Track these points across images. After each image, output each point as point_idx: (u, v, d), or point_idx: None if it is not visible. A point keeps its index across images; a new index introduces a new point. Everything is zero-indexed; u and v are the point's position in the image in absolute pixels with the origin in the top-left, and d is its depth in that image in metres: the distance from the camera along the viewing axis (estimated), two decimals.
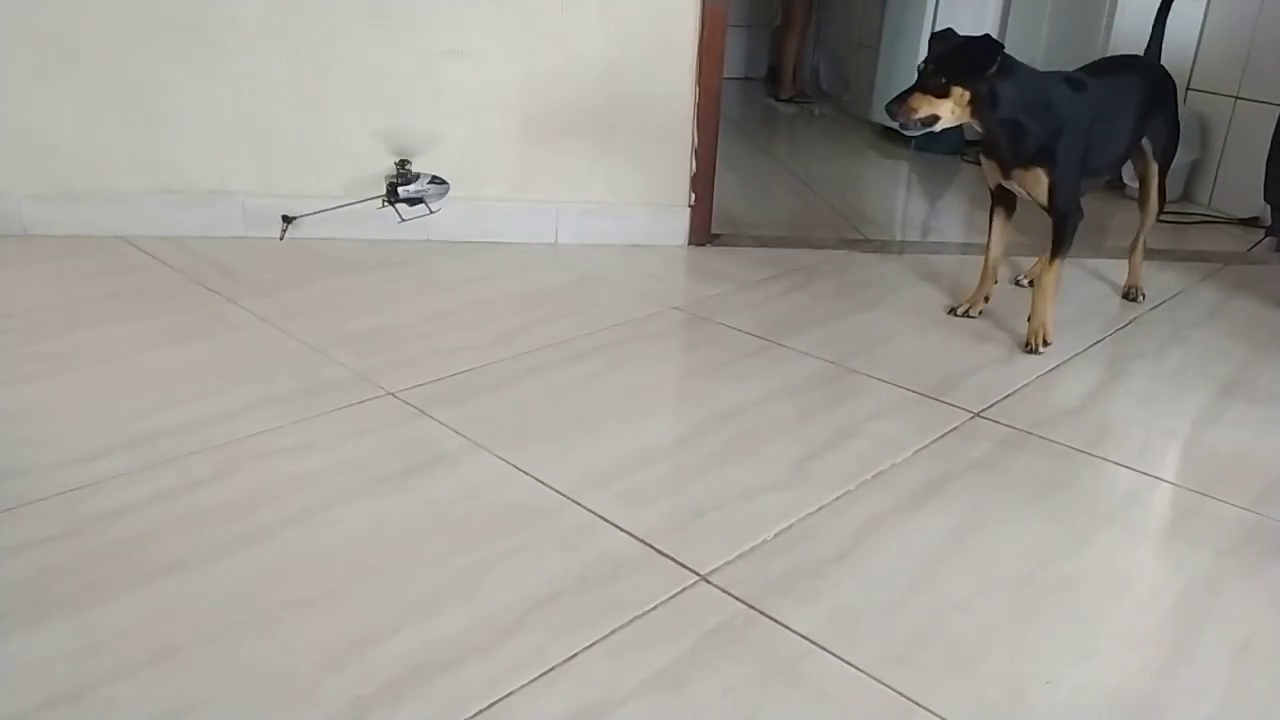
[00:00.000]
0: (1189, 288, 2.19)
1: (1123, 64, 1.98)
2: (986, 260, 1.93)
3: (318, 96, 2.13)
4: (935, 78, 1.64)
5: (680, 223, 2.34)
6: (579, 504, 1.23)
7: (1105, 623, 1.06)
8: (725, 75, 2.30)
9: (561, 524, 1.19)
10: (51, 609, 1.00)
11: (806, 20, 4.67)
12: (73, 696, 0.89)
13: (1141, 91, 1.89)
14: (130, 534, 1.12)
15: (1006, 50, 1.63)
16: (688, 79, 2.22)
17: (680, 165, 2.30)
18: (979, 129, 1.72)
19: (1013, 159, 1.74)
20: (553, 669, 0.95)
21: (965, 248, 2.44)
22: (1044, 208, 1.75)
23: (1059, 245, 1.77)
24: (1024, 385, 1.64)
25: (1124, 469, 1.39)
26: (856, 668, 0.97)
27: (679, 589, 1.08)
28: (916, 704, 0.92)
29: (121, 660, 0.93)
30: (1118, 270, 2.31)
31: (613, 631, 1.00)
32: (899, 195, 3.29)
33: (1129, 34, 3.04)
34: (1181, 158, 2.93)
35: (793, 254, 2.33)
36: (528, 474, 1.29)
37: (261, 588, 1.05)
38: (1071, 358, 1.77)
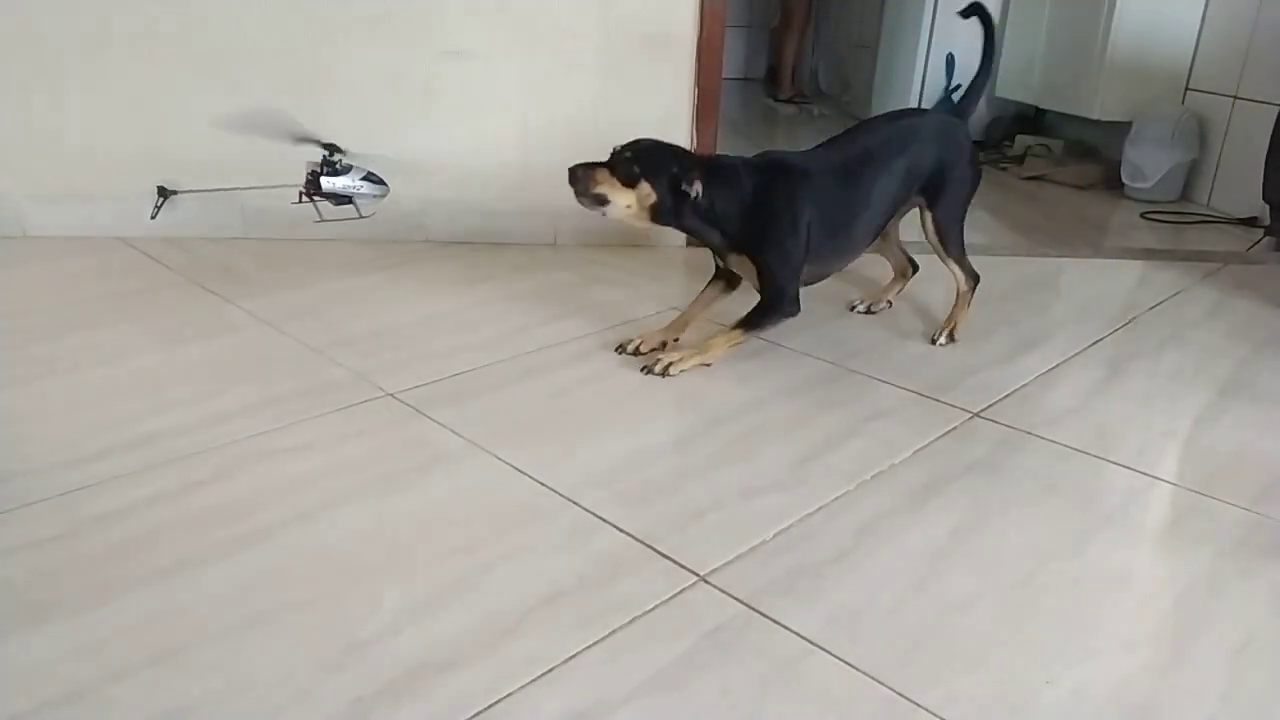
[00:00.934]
0: (1188, 287, 2.20)
1: (884, 126, 1.80)
2: (684, 315, 1.75)
3: (319, 98, 2.13)
4: (629, 165, 1.56)
5: None
6: (578, 505, 1.23)
7: (1104, 623, 1.06)
8: (724, 76, 2.30)
9: (561, 525, 1.19)
10: (51, 610, 1.00)
11: (805, 21, 4.67)
12: (73, 697, 0.89)
13: (900, 157, 1.70)
14: (130, 535, 1.13)
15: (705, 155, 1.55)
16: (687, 79, 2.22)
17: None
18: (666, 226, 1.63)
19: (723, 244, 1.66)
20: (552, 669, 0.95)
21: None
22: (757, 290, 1.65)
23: (751, 322, 1.64)
24: (1023, 385, 1.64)
25: (1123, 469, 1.39)
26: (856, 668, 0.97)
27: (678, 589, 1.08)
28: (916, 704, 0.93)
29: (121, 661, 0.93)
30: (1117, 271, 2.31)
31: (612, 632, 1.00)
32: None
33: (1128, 33, 3.04)
34: (1180, 158, 2.94)
35: None
36: (527, 475, 1.30)
37: (261, 588, 1.05)
38: (1070, 358, 1.77)
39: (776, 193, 1.62)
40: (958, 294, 1.83)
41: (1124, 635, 1.05)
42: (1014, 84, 3.60)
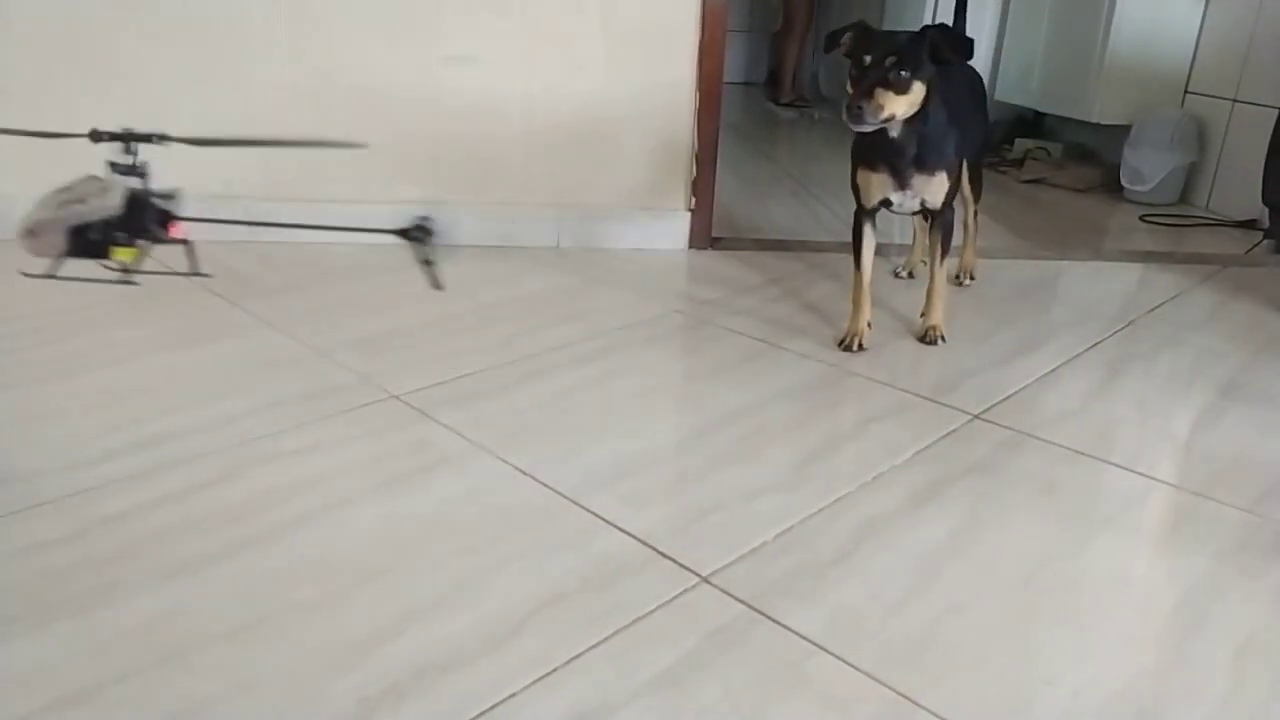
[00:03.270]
0: (1187, 290, 2.20)
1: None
2: (861, 300, 1.79)
3: (322, 101, 2.14)
4: (896, 71, 1.53)
5: (681, 227, 2.35)
6: (581, 506, 1.24)
7: (1105, 624, 1.07)
8: (725, 80, 2.31)
9: (564, 526, 1.20)
10: (59, 610, 1.01)
11: (806, 25, 4.68)
12: (80, 697, 0.90)
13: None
14: (137, 536, 1.13)
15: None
16: (688, 83, 2.23)
17: (681, 170, 2.31)
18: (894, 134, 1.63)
19: (914, 166, 1.67)
20: (555, 670, 0.96)
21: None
22: (933, 211, 1.73)
23: (948, 244, 1.79)
24: (1023, 387, 1.65)
25: (1123, 471, 1.40)
26: (857, 669, 0.98)
27: (680, 590, 1.08)
28: (917, 705, 0.93)
29: (129, 661, 0.94)
30: (1116, 273, 2.32)
31: (615, 633, 1.01)
32: None
33: (1127, 36, 3.05)
34: (1179, 161, 2.95)
35: (793, 257, 2.34)
36: (530, 476, 1.30)
37: (267, 590, 1.06)
38: (1070, 360, 1.78)
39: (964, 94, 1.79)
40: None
41: (1124, 636, 1.05)
42: (1013, 87, 3.61)
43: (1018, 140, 3.58)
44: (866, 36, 1.58)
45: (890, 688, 0.95)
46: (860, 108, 1.52)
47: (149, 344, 1.66)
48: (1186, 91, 3.04)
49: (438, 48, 2.14)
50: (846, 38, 1.61)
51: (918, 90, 1.56)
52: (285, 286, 1.95)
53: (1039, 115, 3.64)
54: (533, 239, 2.30)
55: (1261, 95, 2.76)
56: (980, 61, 3.69)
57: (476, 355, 1.67)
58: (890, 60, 1.52)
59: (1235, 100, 2.86)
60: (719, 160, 2.35)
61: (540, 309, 1.92)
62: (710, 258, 2.32)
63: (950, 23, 1.82)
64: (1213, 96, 2.94)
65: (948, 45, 1.57)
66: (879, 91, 1.53)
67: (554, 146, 2.25)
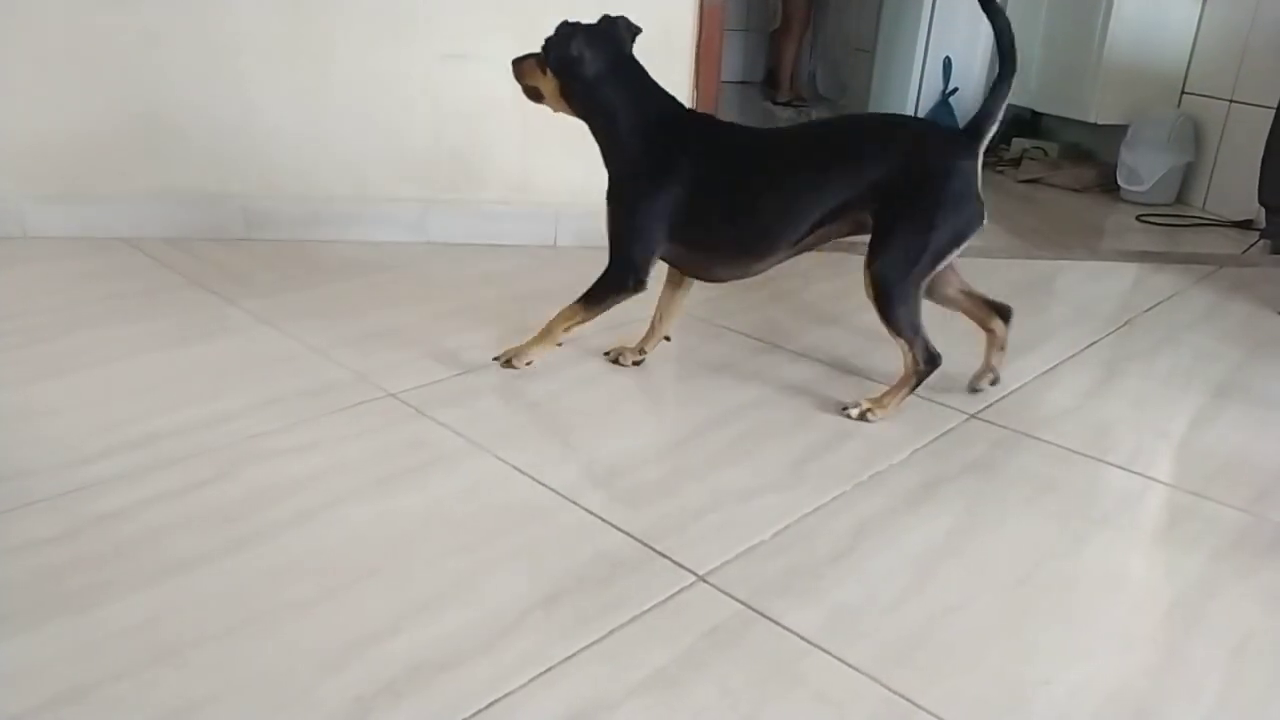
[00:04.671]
0: (1184, 290, 2.21)
1: (846, 120, 1.66)
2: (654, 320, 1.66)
3: (320, 99, 2.14)
4: (538, 53, 1.51)
5: None
6: (578, 504, 1.24)
7: (1102, 623, 1.07)
8: (723, 78, 2.31)
9: (560, 524, 1.20)
10: (54, 609, 1.01)
11: (804, 24, 4.69)
12: (75, 696, 0.90)
13: (840, 155, 1.46)
14: (133, 534, 1.13)
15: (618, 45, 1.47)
16: (685, 82, 2.23)
17: None
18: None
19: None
20: (551, 669, 0.96)
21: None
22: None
23: (586, 294, 1.52)
24: (1019, 387, 1.65)
25: (1119, 470, 1.40)
26: (854, 668, 0.97)
27: (677, 589, 1.08)
28: (914, 704, 0.93)
29: (124, 660, 0.94)
30: (1113, 273, 2.32)
31: (611, 631, 1.01)
32: None
33: (1124, 37, 3.05)
34: (1176, 161, 2.95)
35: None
36: (527, 475, 1.30)
37: (263, 588, 1.05)
38: (1067, 359, 1.78)
39: (665, 135, 1.48)
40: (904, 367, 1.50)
41: (1121, 635, 1.05)
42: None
43: (1015, 140, 3.58)
44: None
45: (887, 687, 0.95)
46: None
47: (144, 342, 1.65)
48: (1183, 92, 3.05)
49: (435, 45, 2.13)
50: None
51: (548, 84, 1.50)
52: (281, 284, 1.95)
53: (1036, 115, 3.64)
54: (530, 237, 2.30)
55: (1258, 95, 2.77)
56: (977, 61, 3.71)
57: (473, 353, 1.67)
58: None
59: (1232, 100, 2.87)
60: None
61: (538, 307, 1.91)
62: None
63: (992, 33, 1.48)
64: (1209, 97, 2.95)
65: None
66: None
67: (551, 144, 2.25)
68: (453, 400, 1.50)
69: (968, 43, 3.69)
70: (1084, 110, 3.21)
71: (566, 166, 2.28)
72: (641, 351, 1.67)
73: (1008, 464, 1.40)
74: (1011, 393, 1.63)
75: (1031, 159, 3.43)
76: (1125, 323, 1.98)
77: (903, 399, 1.51)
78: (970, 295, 1.58)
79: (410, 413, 1.46)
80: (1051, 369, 1.73)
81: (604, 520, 1.21)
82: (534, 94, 1.56)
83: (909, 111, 3.71)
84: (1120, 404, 1.61)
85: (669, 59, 2.21)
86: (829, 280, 2.17)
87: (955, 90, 3.67)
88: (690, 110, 1.54)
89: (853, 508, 1.26)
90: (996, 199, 2.97)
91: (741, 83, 5.51)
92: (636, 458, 1.37)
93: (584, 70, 1.47)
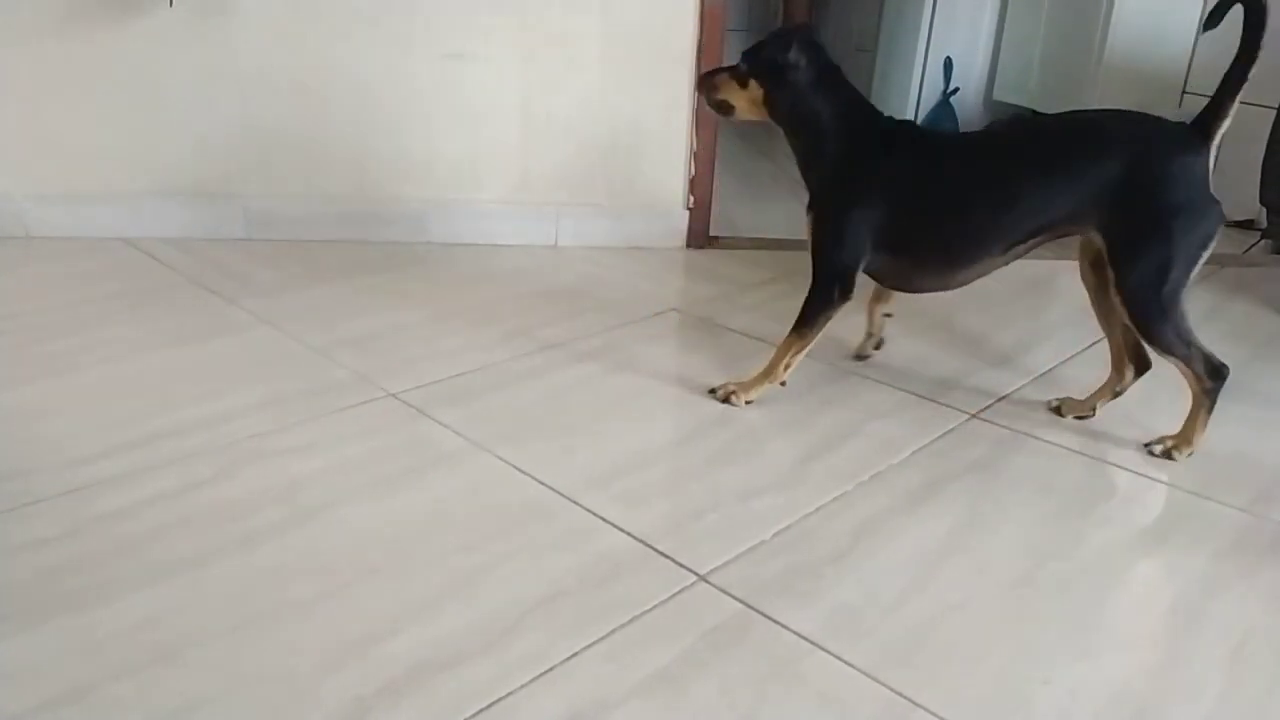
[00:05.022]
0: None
1: (1055, 118, 1.55)
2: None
3: (321, 99, 2.14)
4: (741, 61, 1.49)
5: (679, 225, 2.35)
6: (578, 504, 1.24)
7: (1102, 623, 1.07)
8: None
9: (561, 524, 1.20)
10: (54, 609, 1.01)
11: (805, 24, 4.69)
12: (75, 696, 0.90)
13: (1060, 158, 1.37)
14: (133, 534, 1.13)
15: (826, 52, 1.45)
16: (686, 82, 2.23)
17: (679, 168, 2.31)
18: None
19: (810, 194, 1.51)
20: (552, 669, 0.95)
21: None
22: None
23: (798, 319, 1.49)
24: (1020, 387, 1.65)
25: (1121, 470, 1.40)
26: (855, 667, 0.97)
27: (678, 589, 1.08)
28: (914, 703, 0.93)
29: (124, 660, 0.94)
30: None
31: (612, 631, 1.01)
32: None
33: (1125, 36, 3.05)
34: None
35: (790, 256, 2.33)
36: (528, 475, 1.30)
37: (263, 588, 1.05)
38: (1069, 359, 1.78)
39: (869, 143, 1.44)
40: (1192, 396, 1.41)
41: (1121, 635, 1.05)
42: (1011, 87, 3.61)
43: None
44: None
45: (888, 686, 0.95)
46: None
47: (145, 342, 1.65)
48: (1184, 91, 3.04)
49: (435, 45, 2.13)
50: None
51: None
52: (282, 284, 1.95)
53: (1037, 115, 3.64)
54: (530, 237, 2.30)
55: (1259, 95, 2.75)
56: (978, 61, 3.71)
57: (474, 353, 1.67)
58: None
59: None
60: (717, 159, 2.35)
61: (538, 307, 1.91)
62: (708, 256, 2.32)
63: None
64: (1210, 97, 2.94)
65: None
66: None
67: (551, 144, 2.25)
68: (453, 400, 1.50)
69: (968, 43, 3.69)
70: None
71: (566, 166, 2.28)
72: (869, 350, 1.71)
73: (1008, 464, 1.40)
74: (1012, 393, 1.63)
75: None
76: None
77: (1204, 426, 1.40)
78: (1126, 331, 1.45)
79: (411, 413, 1.46)
80: (1052, 369, 1.73)
81: (604, 520, 1.20)
82: (723, 107, 1.54)
83: (908, 112, 3.72)
84: (1121, 404, 1.61)
85: (669, 60, 2.21)
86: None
87: (956, 90, 3.67)
88: (893, 118, 1.49)
89: (854, 507, 1.26)
90: None
91: None
92: (637, 457, 1.37)
93: (798, 77, 1.45)
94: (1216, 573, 1.16)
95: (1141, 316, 1.34)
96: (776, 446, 1.41)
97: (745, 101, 1.51)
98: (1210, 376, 1.38)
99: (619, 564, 1.12)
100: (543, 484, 1.28)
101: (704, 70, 1.53)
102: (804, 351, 1.51)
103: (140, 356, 1.60)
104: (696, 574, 1.11)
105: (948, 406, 1.56)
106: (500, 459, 1.34)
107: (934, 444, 1.44)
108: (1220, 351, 1.84)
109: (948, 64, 3.66)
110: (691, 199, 2.34)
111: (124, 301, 1.82)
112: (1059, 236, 1.40)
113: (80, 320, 1.73)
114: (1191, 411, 1.41)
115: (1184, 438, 1.43)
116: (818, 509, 1.25)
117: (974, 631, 1.04)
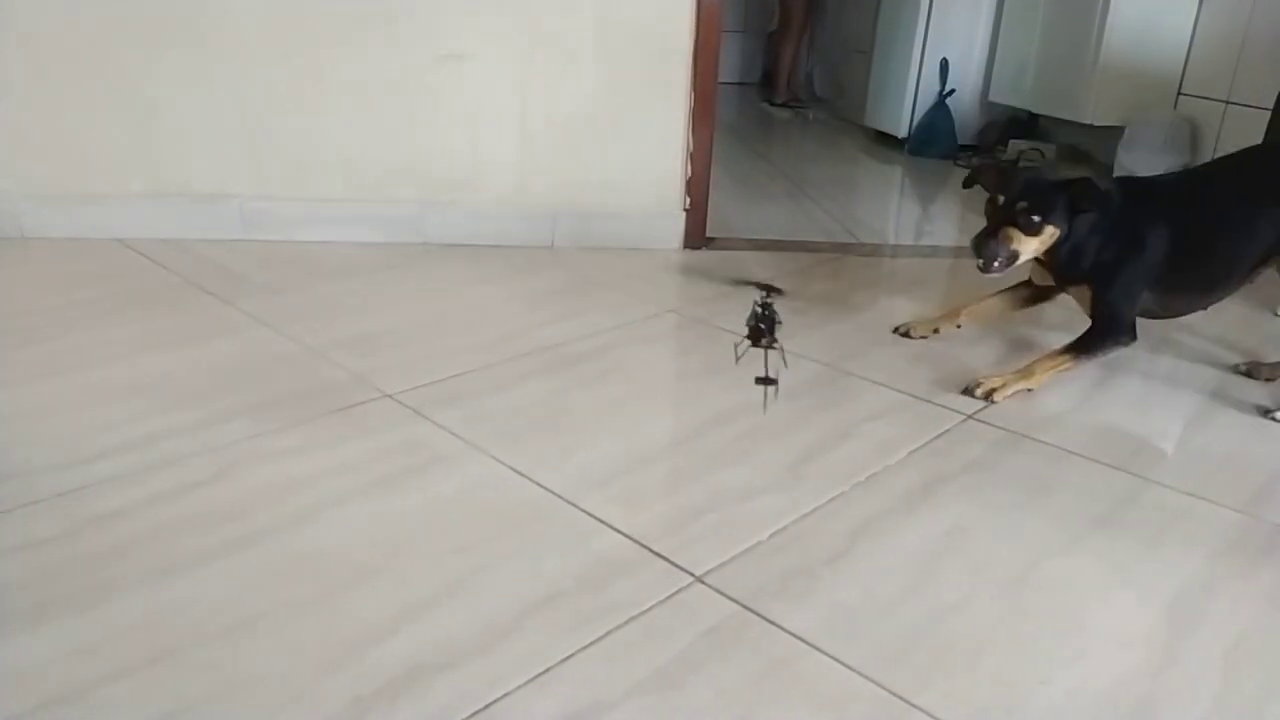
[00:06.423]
0: None
1: (1268, 152, 1.76)
2: (967, 309, 1.83)
3: (317, 100, 2.14)
4: (1027, 215, 1.56)
5: (676, 226, 2.35)
6: (575, 506, 1.24)
7: (1098, 623, 1.07)
8: (720, 80, 2.32)
9: (558, 525, 1.20)
10: (50, 610, 1.01)
11: (802, 26, 4.69)
12: (71, 697, 0.90)
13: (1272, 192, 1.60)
14: (129, 535, 1.13)
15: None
16: (683, 83, 2.23)
17: (676, 169, 2.31)
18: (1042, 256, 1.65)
19: (1063, 274, 1.68)
20: (549, 669, 0.96)
21: (958, 251, 2.46)
22: (1088, 315, 1.68)
23: (1082, 346, 1.64)
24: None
25: (1116, 471, 1.40)
26: (851, 668, 0.98)
27: (675, 590, 1.08)
28: (911, 704, 0.93)
29: (120, 661, 0.94)
30: None
31: (609, 632, 1.01)
32: (892, 199, 3.30)
33: (1121, 38, 3.06)
34: (1173, 162, 2.96)
35: (787, 257, 2.34)
36: (525, 476, 1.30)
37: (259, 589, 1.05)
38: None
39: (1137, 215, 1.61)
40: None
41: (1118, 636, 1.06)
42: (1007, 89, 3.62)
43: (1011, 142, 3.59)
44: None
45: (884, 687, 0.95)
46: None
47: (143, 342, 1.65)
48: (1180, 93, 3.06)
49: (434, 45, 2.13)
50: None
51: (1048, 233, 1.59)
52: (278, 285, 1.95)
53: (1033, 116, 3.65)
54: (527, 238, 2.30)
55: (1254, 97, 2.77)
56: (974, 62, 3.71)
57: (471, 354, 1.67)
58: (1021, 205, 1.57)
59: (1228, 102, 2.87)
60: (714, 160, 2.35)
61: (535, 308, 1.91)
62: (705, 257, 2.32)
63: None
64: (1206, 98, 2.95)
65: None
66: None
67: (548, 145, 2.25)
68: (450, 401, 1.50)
69: (964, 44, 3.70)
70: (1081, 111, 3.22)
71: (565, 167, 2.28)
72: (935, 331, 1.83)
73: (1005, 464, 1.40)
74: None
75: (1028, 160, 3.43)
76: None
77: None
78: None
79: (408, 414, 1.46)
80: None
81: (602, 521, 1.21)
82: (1011, 258, 1.59)
83: (906, 112, 3.73)
84: (1118, 404, 1.62)
85: (667, 60, 2.21)
86: (827, 280, 2.18)
87: (952, 91, 3.68)
88: (1136, 179, 1.69)
89: (850, 508, 1.26)
90: None
91: (739, 84, 5.51)
92: (634, 458, 1.37)
93: (1111, 202, 1.58)
94: (1212, 573, 1.17)
95: None
96: (773, 448, 1.41)
97: (1037, 244, 1.59)
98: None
99: (616, 565, 1.12)
100: (540, 485, 1.28)
101: (975, 238, 1.61)
102: (1068, 372, 1.66)
103: (138, 357, 1.60)
104: (693, 575, 1.11)
105: (944, 408, 1.57)
106: (497, 460, 1.34)
107: (930, 445, 1.45)
108: (1216, 353, 1.86)
109: (944, 65, 3.66)
110: (688, 200, 2.34)
111: (120, 302, 1.82)
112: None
113: (78, 321, 1.73)
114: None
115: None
116: (814, 510, 1.26)
117: (970, 632, 1.04)
